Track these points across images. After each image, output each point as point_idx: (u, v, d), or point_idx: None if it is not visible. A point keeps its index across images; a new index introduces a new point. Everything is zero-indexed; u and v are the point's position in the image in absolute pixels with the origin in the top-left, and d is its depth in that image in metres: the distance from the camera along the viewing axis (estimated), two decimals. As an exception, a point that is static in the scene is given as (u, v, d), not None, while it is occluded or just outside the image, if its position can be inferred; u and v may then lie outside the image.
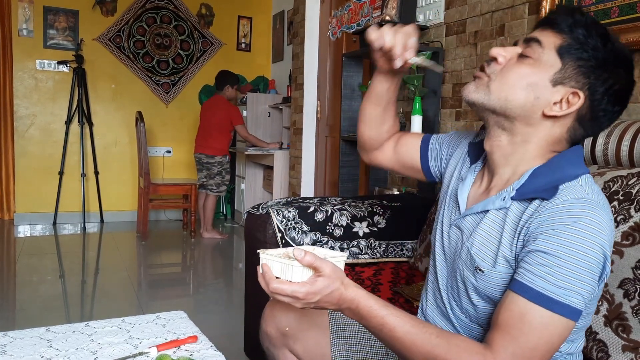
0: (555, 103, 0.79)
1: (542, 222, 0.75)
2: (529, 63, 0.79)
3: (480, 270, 0.82)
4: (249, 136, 4.24)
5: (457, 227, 0.90)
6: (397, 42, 0.87)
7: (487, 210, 0.84)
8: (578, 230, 0.72)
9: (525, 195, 0.80)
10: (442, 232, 0.95)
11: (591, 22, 0.78)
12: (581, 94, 0.78)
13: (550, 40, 0.78)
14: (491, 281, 0.81)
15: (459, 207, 0.91)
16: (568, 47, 0.77)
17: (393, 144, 1.11)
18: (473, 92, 0.83)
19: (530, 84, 0.79)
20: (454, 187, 0.97)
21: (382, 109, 1.05)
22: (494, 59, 0.82)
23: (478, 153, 0.95)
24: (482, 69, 0.84)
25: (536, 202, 0.78)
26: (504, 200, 0.82)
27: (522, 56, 0.80)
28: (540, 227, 0.75)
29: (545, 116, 0.80)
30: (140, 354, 0.98)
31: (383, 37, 0.88)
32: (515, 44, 0.85)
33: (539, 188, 0.78)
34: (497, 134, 0.85)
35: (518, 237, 0.78)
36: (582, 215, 0.73)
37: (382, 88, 1.02)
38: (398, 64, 0.88)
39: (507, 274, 0.79)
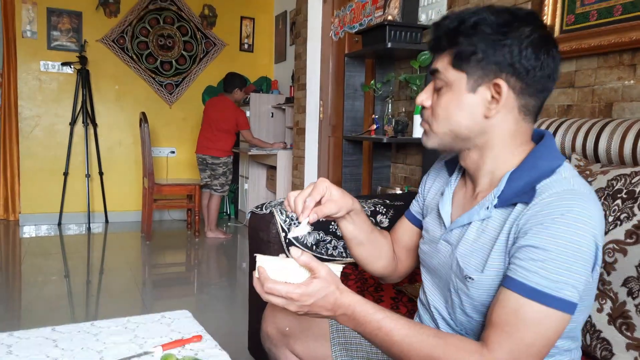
0: (489, 102, 0.80)
1: (531, 217, 0.75)
2: (444, 91, 0.83)
3: (470, 278, 0.82)
4: (254, 139, 4.25)
5: (445, 241, 0.91)
6: (296, 207, 0.88)
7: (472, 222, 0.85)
8: (567, 222, 0.72)
9: (507, 201, 0.80)
10: (430, 248, 0.95)
11: (454, 18, 0.81)
12: (500, 80, 0.79)
13: (443, 63, 0.82)
14: (482, 287, 0.81)
15: (444, 222, 0.92)
16: (456, 57, 0.80)
17: (398, 247, 1.09)
18: (427, 141, 0.88)
19: (458, 106, 0.82)
20: (435, 202, 0.99)
21: (368, 243, 1.02)
22: (424, 107, 0.87)
23: (453, 166, 0.97)
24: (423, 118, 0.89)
25: (520, 206, 0.78)
26: (487, 209, 0.83)
27: (438, 89, 0.85)
28: (528, 223, 0.75)
29: (489, 117, 0.81)
30: (146, 353, 0.98)
31: (289, 203, 0.90)
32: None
33: (518, 192, 0.79)
34: (467, 154, 0.87)
35: (508, 237, 0.78)
36: (570, 207, 0.73)
37: (349, 231, 0.99)
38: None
39: (497, 277, 0.79)
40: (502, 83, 0.79)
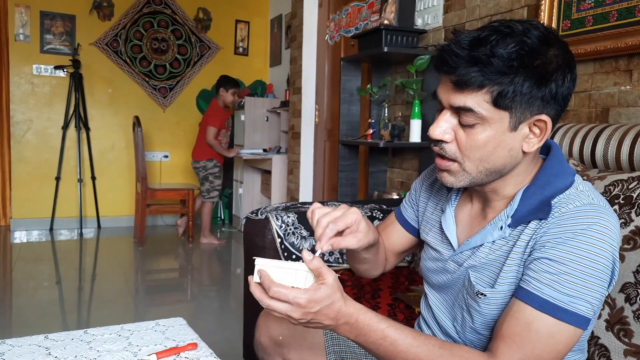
0: (527, 137, 0.77)
1: (549, 230, 0.74)
2: (480, 129, 0.75)
3: (482, 294, 0.80)
4: (213, 141, 4.09)
5: (454, 262, 0.89)
6: (317, 227, 0.81)
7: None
8: (587, 237, 0.71)
9: (521, 220, 0.79)
10: (436, 266, 0.93)
11: (486, 53, 0.71)
12: (544, 116, 0.75)
13: (478, 99, 0.74)
14: (495, 303, 0.79)
15: (450, 242, 0.90)
16: (498, 96, 0.72)
17: (387, 251, 1.08)
18: (457, 182, 0.81)
19: (497, 146, 0.76)
20: (435, 217, 0.96)
21: (371, 262, 1.00)
22: (441, 141, 0.79)
23: None
24: (441, 155, 0.81)
25: (535, 222, 0.77)
26: (501, 229, 0.80)
27: (465, 125, 0.76)
28: (546, 235, 0.74)
29: (528, 152, 0.78)
30: (140, 361, 0.97)
31: (312, 218, 0.83)
32: (439, 107, 0.80)
33: (533, 210, 0.77)
34: (488, 183, 0.82)
35: (524, 252, 0.77)
36: (591, 222, 0.72)
37: (355, 253, 0.96)
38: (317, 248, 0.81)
39: (510, 292, 0.78)
40: (546, 119, 0.75)
